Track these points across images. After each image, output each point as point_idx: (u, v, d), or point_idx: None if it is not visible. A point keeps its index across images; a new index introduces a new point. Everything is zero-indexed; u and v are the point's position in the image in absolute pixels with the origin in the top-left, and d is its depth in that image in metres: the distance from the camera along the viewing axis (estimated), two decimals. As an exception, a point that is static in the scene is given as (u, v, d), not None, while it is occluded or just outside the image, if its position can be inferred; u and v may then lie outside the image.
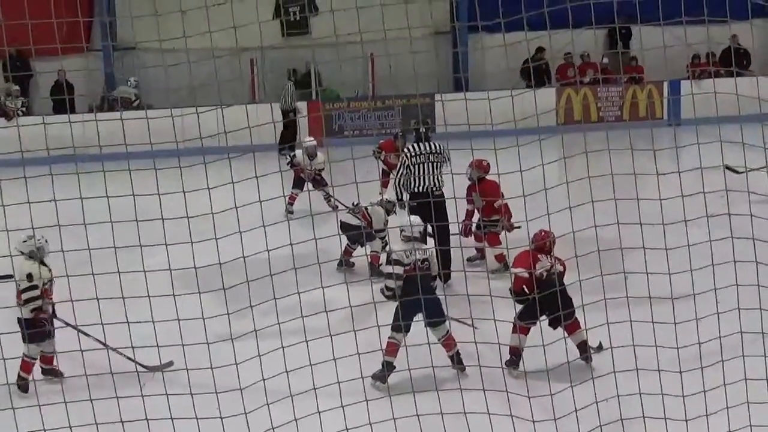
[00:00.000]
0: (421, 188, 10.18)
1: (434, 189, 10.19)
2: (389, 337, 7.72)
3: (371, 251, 10.48)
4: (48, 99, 18.74)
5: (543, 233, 7.83)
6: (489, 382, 6.56)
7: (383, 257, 9.67)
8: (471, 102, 6.39)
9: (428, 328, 7.77)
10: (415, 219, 8.33)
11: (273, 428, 6.06)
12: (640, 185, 6.72)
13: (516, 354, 7.86)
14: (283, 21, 19.10)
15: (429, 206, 8.83)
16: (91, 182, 6.47)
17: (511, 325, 7.80)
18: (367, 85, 20.26)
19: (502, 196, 10.07)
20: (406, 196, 10.34)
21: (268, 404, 6.09)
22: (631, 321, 6.28)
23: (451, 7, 20.12)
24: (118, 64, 19.63)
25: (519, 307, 7.87)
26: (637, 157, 6.51)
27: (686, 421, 6.15)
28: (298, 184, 13.31)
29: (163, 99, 19.04)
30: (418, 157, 10.27)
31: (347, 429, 6.19)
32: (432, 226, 9.55)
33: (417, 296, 7.32)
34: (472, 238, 10.95)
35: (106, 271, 6.19)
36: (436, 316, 7.80)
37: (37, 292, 7.87)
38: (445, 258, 9.87)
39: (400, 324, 7.66)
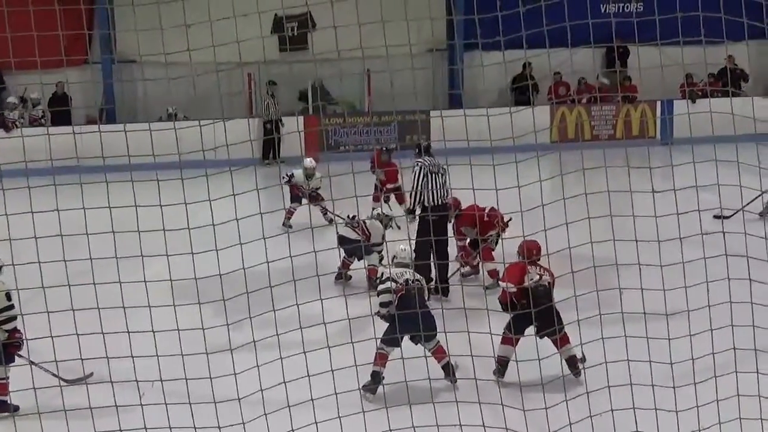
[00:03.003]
0: (436, 201, 10.13)
1: (442, 202, 10.20)
2: (378, 348, 7.75)
3: (369, 264, 10.53)
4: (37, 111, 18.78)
5: (528, 244, 7.83)
6: (484, 396, 6.60)
7: (380, 270, 9.74)
8: (464, 119, 6.46)
9: (419, 343, 7.83)
10: (406, 246, 8.52)
11: (270, 438, 6.10)
12: (630, 203, 6.79)
13: (502, 364, 7.93)
14: (286, 36, 19.14)
15: (443, 219, 8.77)
16: (75, 193, 6.37)
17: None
18: (363, 101, 20.30)
19: (485, 209, 10.04)
20: (418, 209, 10.29)
21: (266, 414, 6.14)
22: (626, 336, 6.34)
23: (448, 24, 20.21)
24: (117, 76, 19.68)
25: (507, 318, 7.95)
26: (629, 176, 6.59)
27: (679, 435, 6.21)
28: (296, 199, 13.38)
29: (162, 111, 19.12)
30: (431, 167, 10.25)
31: (344, 440, 6.24)
32: (436, 241, 9.60)
33: (411, 311, 7.38)
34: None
35: (105, 281, 6.22)
36: (428, 332, 7.86)
37: (15, 312, 7.53)
38: (445, 272, 9.94)
39: (391, 338, 7.68)
